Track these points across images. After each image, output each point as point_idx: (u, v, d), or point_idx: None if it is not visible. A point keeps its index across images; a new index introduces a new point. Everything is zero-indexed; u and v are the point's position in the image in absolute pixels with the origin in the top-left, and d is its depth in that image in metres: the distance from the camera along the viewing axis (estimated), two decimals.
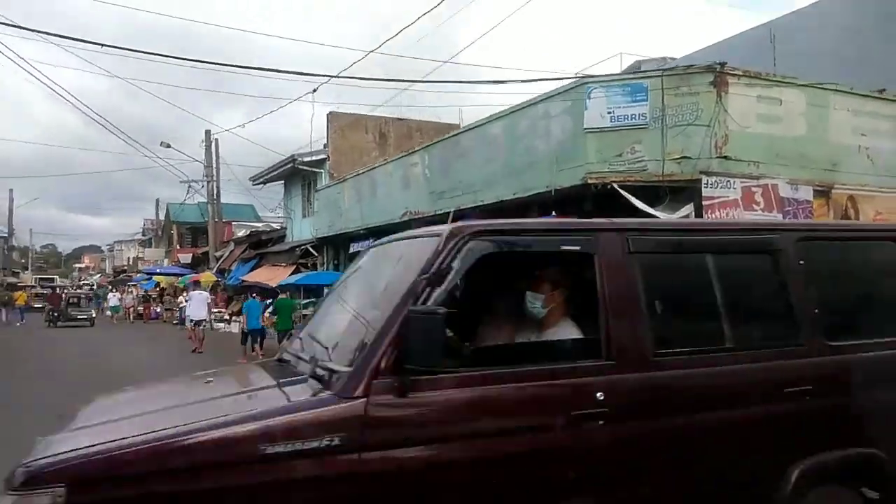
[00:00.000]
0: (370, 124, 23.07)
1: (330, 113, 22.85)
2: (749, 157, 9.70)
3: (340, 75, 15.42)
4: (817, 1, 21.52)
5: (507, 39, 63.55)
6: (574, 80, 10.41)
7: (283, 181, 26.75)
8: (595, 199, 10.05)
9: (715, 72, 9.51)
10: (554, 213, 10.94)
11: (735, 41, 19.06)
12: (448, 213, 13.92)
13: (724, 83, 9.53)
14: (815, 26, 19.94)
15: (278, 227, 28.65)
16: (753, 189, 9.64)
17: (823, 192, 10.29)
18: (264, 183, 27.62)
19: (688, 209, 9.47)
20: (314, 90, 20.51)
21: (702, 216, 9.25)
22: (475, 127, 12.89)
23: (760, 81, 9.86)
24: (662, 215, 9.49)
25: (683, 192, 9.62)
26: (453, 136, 13.78)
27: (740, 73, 9.71)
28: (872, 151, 10.74)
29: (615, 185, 9.57)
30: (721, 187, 9.41)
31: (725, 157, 9.50)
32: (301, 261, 21.74)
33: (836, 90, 10.50)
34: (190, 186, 28.84)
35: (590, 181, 9.83)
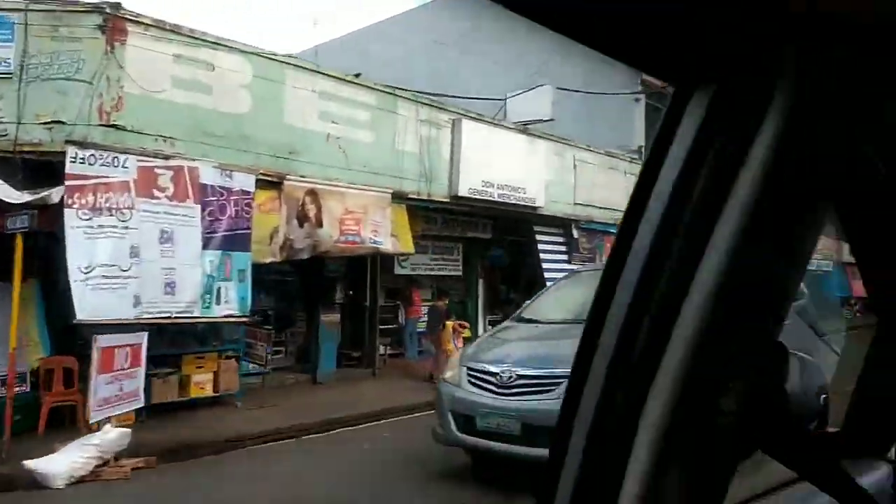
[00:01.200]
0: None
1: None
2: (158, 131, 7.62)
3: None
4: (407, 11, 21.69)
5: None
6: None
7: None
8: None
9: (104, 13, 7.25)
10: None
11: None
12: None
13: (121, 31, 7.32)
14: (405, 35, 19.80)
15: None
16: (159, 171, 7.55)
17: (274, 184, 8.71)
18: None
19: (58, 191, 6.99)
20: None
21: (63, 200, 6.87)
22: None
23: (180, 38, 7.88)
24: (13, 197, 6.88)
25: (54, 167, 7.14)
26: None
27: (148, 23, 7.60)
28: (345, 142, 9.55)
29: None
30: (102, 164, 7.12)
31: (116, 127, 7.27)
32: None
33: (296, 66, 9.07)
34: None
35: None
